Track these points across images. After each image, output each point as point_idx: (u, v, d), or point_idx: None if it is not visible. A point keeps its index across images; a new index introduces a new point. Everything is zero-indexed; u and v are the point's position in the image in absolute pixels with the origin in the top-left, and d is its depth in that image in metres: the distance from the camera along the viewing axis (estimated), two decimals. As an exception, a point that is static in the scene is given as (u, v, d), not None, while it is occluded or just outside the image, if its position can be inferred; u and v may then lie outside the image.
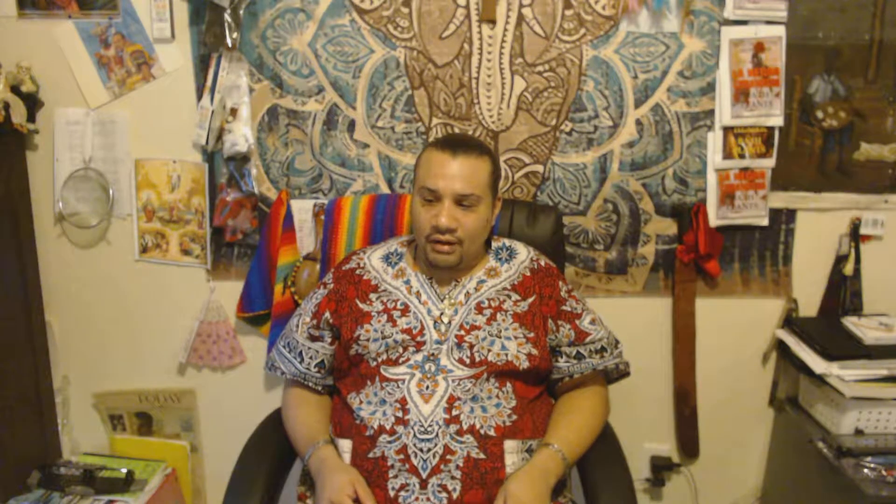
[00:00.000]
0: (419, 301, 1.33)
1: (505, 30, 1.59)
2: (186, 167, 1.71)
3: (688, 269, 1.70)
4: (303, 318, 1.39)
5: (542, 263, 1.40)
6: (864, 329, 1.60)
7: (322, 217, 1.63)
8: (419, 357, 1.27)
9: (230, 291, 1.75)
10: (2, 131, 1.60)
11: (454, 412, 1.21)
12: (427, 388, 1.24)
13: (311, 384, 1.38)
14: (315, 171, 1.69)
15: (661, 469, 1.82)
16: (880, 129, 1.64)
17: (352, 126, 1.66)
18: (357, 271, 1.38)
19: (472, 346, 1.27)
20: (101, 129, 1.70)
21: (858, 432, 1.51)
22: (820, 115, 1.63)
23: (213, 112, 1.63)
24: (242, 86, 1.64)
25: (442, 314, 1.31)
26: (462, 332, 1.28)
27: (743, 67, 1.60)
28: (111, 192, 1.73)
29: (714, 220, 1.67)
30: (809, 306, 1.73)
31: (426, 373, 1.25)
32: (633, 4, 1.56)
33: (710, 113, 1.63)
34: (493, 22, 1.59)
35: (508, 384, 1.27)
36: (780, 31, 1.59)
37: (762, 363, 1.78)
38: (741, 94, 1.61)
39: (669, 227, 1.70)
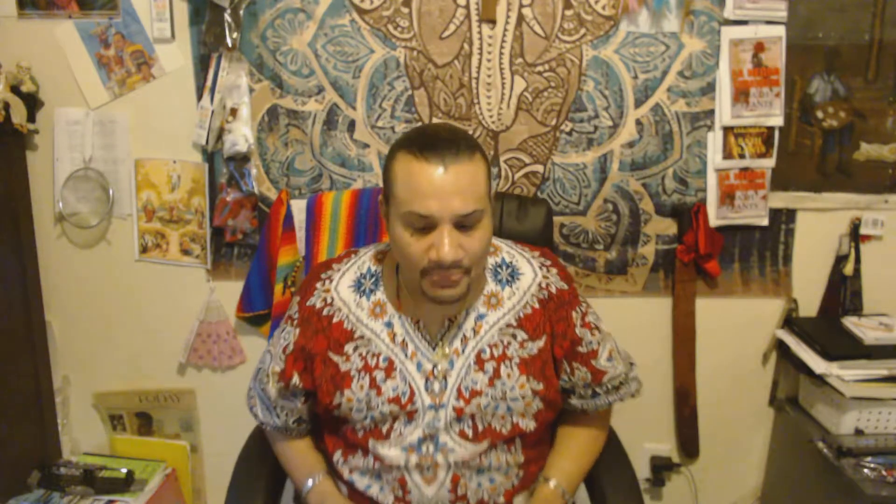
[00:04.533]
0: (405, 354, 1.11)
1: (505, 30, 1.59)
2: (186, 167, 1.71)
3: (688, 269, 1.70)
4: (272, 367, 1.18)
5: (553, 290, 1.15)
6: (864, 329, 1.60)
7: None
8: (413, 436, 1.10)
9: (230, 291, 1.75)
10: (2, 131, 1.60)
11: (460, 490, 1.11)
12: (427, 469, 1.10)
13: (293, 434, 1.24)
14: (315, 171, 1.69)
15: (661, 469, 1.82)
16: (880, 129, 1.64)
17: (352, 126, 1.66)
18: (325, 311, 1.13)
19: (473, 416, 1.10)
20: (101, 129, 1.70)
21: (858, 432, 1.51)
22: (820, 115, 1.63)
23: (213, 112, 1.63)
24: (242, 86, 1.64)
25: (435, 367, 1.10)
26: (461, 404, 1.09)
27: (743, 67, 1.60)
28: (111, 192, 1.73)
29: (714, 220, 1.67)
30: (809, 306, 1.73)
31: (424, 454, 1.10)
32: (633, 4, 1.56)
33: (710, 113, 1.63)
34: (493, 22, 1.59)
35: (517, 441, 1.15)
36: (780, 31, 1.59)
37: (762, 363, 1.78)
38: (741, 94, 1.61)
39: (669, 227, 1.70)
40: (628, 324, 1.70)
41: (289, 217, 1.68)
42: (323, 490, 1.17)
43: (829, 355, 1.54)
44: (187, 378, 1.85)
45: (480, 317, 1.12)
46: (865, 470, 1.40)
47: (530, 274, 1.16)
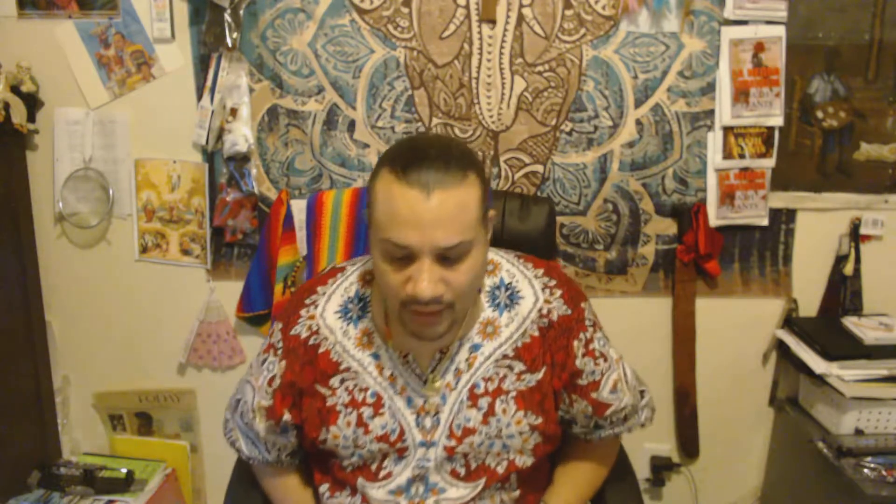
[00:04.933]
0: (395, 390, 1.03)
1: (505, 30, 1.59)
2: (186, 167, 1.71)
3: (688, 269, 1.70)
4: (258, 402, 1.08)
5: (555, 317, 1.05)
6: (864, 329, 1.60)
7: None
8: (403, 477, 1.03)
9: (230, 291, 1.75)
10: (2, 131, 1.60)
11: None
12: None
13: (285, 467, 1.16)
14: (315, 171, 1.69)
15: (661, 469, 1.82)
16: (880, 129, 1.64)
17: (352, 126, 1.66)
18: (311, 340, 1.04)
19: (466, 455, 1.03)
20: (101, 129, 1.70)
21: (858, 432, 1.51)
22: (820, 115, 1.63)
23: (213, 112, 1.63)
24: (242, 86, 1.64)
25: (426, 403, 1.03)
26: (453, 443, 1.02)
27: (743, 67, 1.60)
28: (111, 192, 1.73)
29: (714, 220, 1.67)
30: (809, 306, 1.73)
31: (413, 497, 1.03)
32: (633, 4, 1.56)
33: (710, 113, 1.63)
34: (493, 22, 1.59)
35: (511, 478, 1.08)
36: (780, 31, 1.59)
37: (762, 363, 1.78)
38: (741, 94, 1.61)
39: (669, 227, 1.70)
40: (628, 324, 1.70)
41: (289, 217, 1.68)
42: None
43: (829, 355, 1.54)
44: (187, 378, 1.85)
45: (475, 347, 1.03)
46: (865, 470, 1.40)
47: (531, 298, 1.06)
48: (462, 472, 1.04)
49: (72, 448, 1.88)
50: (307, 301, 1.08)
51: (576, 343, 1.06)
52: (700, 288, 1.72)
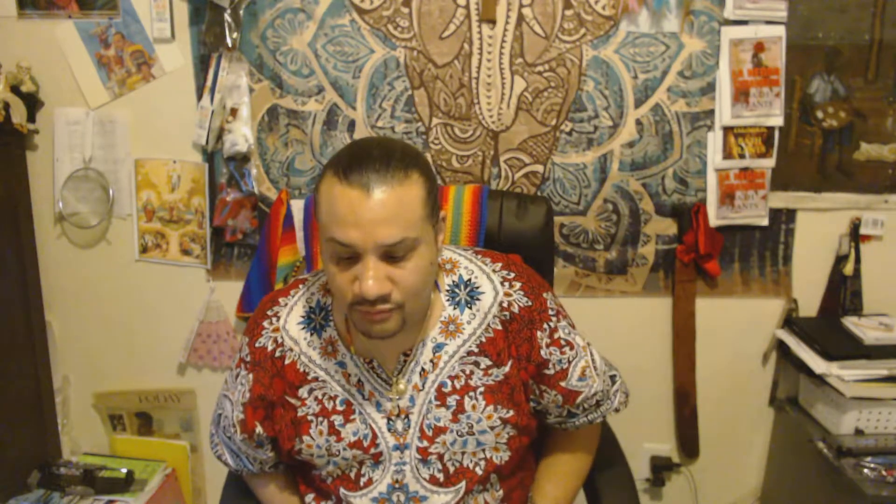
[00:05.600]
0: (363, 396, 1.03)
1: (505, 30, 1.59)
2: (186, 167, 1.71)
3: (688, 269, 1.70)
4: (235, 415, 1.09)
5: (516, 309, 1.05)
6: (864, 329, 1.60)
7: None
8: (383, 484, 1.04)
9: (230, 291, 1.75)
10: (2, 131, 1.60)
11: None
12: None
13: (271, 476, 1.17)
14: (315, 171, 1.69)
15: (661, 469, 1.82)
16: (880, 129, 1.64)
17: (352, 126, 1.66)
18: (277, 353, 1.05)
19: (441, 457, 1.03)
20: (101, 129, 1.70)
21: (858, 432, 1.51)
22: (820, 115, 1.63)
23: (213, 112, 1.63)
24: (242, 86, 1.64)
25: (394, 406, 1.03)
26: (425, 444, 1.02)
27: (743, 67, 1.60)
28: (111, 192, 1.73)
29: (714, 220, 1.67)
30: (809, 306, 1.73)
31: None
32: (633, 4, 1.56)
33: (710, 113, 1.63)
34: (493, 22, 1.59)
35: (492, 478, 1.08)
36: (780, 31, 1.59)
37: (762, 363, 1.78)
38: (741, 94, 1.61)
39: (669, 227, 1.70)
40: (628, 324, 1.70)
41: (289, 217, 1.68)
42: None
43: (829, 355, 1.54)
44: (187, 378, 1.85)
45: (439, 347, 1.03)
46: (865, 470, 1.40)
47: (491, 292, 1.05)
48: (441, 477, 1.04)
49: (72, 448, 1.88)
50: (269, 313, 1.08)
51: (539, 334, 1.05)
52: (700, 288, 1.72)
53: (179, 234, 1.75)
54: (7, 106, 1.59)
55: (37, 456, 1.77)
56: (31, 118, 1.66)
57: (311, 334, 1.05)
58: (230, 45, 1.59)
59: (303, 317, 1.07)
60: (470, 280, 1.07)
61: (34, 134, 1.70)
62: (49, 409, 1.81)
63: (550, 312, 1.08)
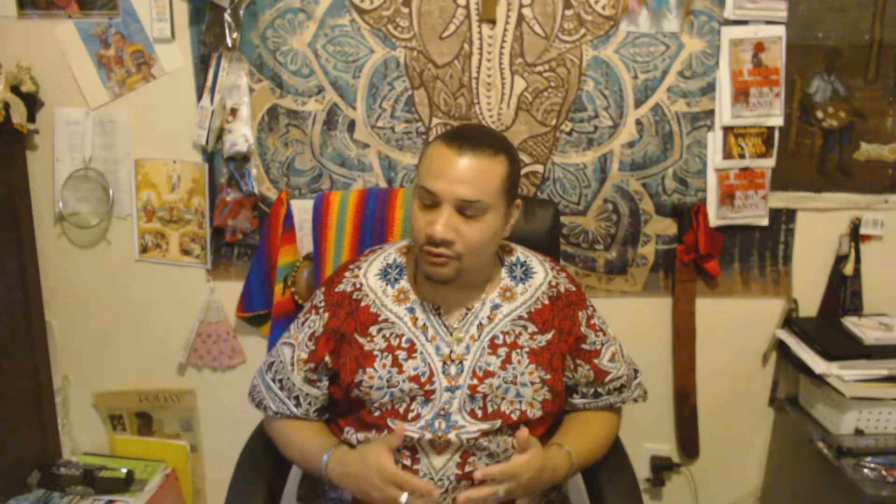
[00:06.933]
0: (426, 338, 1.17)
1: (505, 30, 1.59)
2: (186, 167, 1.71)
3: (688, 269, 1.70)
4: (297, 354, 1.22)
5: (562, 289, 1.25)
6: (864, 329, 1.60)
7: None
8: (429, 414, 1.14)
9: (230, 291, 1.75)
10: (2, 131, 1.60)
11: (467, 468, 1.14)
12: (439, 444, 1.13)
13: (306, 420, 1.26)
14: (315, 171, 1.69)
15: (661, 469, 1.82)
16: (880, 129, 1.64)
17: (352, 126, 1.66)
18: (354, 295, 1.21)
19: (485, 396, 1.15)
20: (101, 129, 1.70)
21: (858, 432, 1.51)
22: (820, 115, 1.63)
23: (213, 112, 1.63)
24: (242, 86, 1.64)
25: (451, 352, 1.17)
26: (475, 382, 1.15)
27: (743, 67, 1.60)
28: (111, 192, 1.73)
29: (714, 220, 1.67)
30: (809, 306, 1.73)
31: (436, 431, 1.13)
32: (633, 4, 1.56)
33: (710, 113, 1.63)
34: (493, 22, 1.59)
35: (521, 426, 1.16)
36: (780, 31, 1.59)
37: (762, 363, 1.78)
38: (741, 94, 1.61)
39: (669, 227, 1.70)
40: (628, 324, 1.70)
41: (289, 217, 1.68)
42: (341, 457, 1.15)
43: (829, 355, 1.54)
44: (187, 378, 1.85)
45: (496, 307, 1.20)
46: (865, 470, 1.41)
47: (542, 273, 1.25)
48: (480, 413, 1.15)
49: (72, 448, 1.88)
50: (351, 266, 1.26)
51: (580, 313, 1.25)
52: (700, 288, 1.72)
53: (179, 234, 1.75)
54: (7, 106, 1.58)
55: (37, 456, 1.77)
56: (31, 118, 1.66)
57: (387, 284, 1.22)
58: (230, 45, 1.59)
59: (380, 270, 1.24)
60: (525, 262, 1.27)
61: (34, 134, 1.70)
62: (49, 409, 1.81)
63: (588, 303, 1.29)
